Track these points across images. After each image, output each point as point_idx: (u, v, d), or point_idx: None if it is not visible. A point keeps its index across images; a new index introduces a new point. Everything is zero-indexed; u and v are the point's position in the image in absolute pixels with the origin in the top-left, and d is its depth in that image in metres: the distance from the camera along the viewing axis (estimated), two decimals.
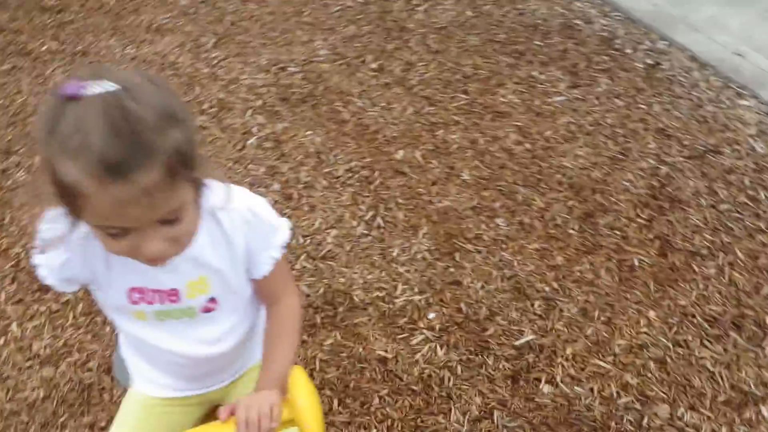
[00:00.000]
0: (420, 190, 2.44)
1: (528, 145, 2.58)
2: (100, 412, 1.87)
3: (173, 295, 0.97)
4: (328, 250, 2.25)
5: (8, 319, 2.12)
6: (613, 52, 3.05)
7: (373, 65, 3.06)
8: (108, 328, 2.07)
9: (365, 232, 2.31)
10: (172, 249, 0.86)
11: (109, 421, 1.84)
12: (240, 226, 0.98)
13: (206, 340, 1.06)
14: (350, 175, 2.53)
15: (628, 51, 3.05)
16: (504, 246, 2.22)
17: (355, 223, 2.34)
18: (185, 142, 0.79)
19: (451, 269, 2.17)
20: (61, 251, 0.92)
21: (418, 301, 2.08)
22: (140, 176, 0.74)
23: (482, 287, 2.10)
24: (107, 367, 1.97)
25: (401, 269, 2.18)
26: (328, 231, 2.32)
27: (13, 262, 2.28)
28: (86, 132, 0.72)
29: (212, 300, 1.01)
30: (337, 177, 2.52)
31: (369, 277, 2.17)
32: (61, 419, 1.87)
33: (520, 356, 1.94)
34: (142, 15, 3.53)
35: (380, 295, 2.11)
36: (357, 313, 2.07)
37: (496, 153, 2.56)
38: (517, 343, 1.97)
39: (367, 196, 2.43)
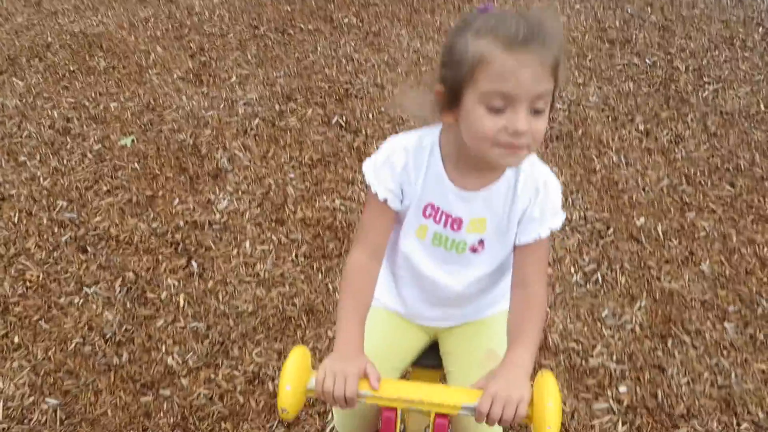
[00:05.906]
0: (650, 263, 2.32)
1: None
2: (290, 345, 2.03)
3: (457, 223, 1.11)
4: None
5: (245, 236, 2.38)
6: None
7: (641, 127, 2.97)
8: (320, 276, 2.24)
9: (581, 282, 2.25)
10: (529, 142, 0.97)
11: None
12: (529, 191, 1.08)
13: (462, 276, 1.17)
14: (583, 222, 2.48)
15: None
16: (725, 353, 2.03)
17: (573, 269, 2.29)
18: (563, 49, 0.98)
19: (659, 353, 2.03)
20: (402, 157, 1.09)
21: (613, 370, 1.98)
22: (538, 49, 0.93)
23: (687, 384, 1.94)
24: (308, 308, 2.13)
25: (606, 332, 2.09)
26: None
27: (265, 190, 2.55)
28: (501, 18, 0.95)
29: (481, 242, 1.13)
30: (570, 220, 2.48)
31: (570, 326, 2.11)
32: (258, 336, 2.05)
33: None
34: (436, 16, 3.75)
35: (576, 347, 2.05)
36: (546, 355, 2.03)
37: (747, 256, 2.35)
38: None
39: (594, 249, 2.36)
